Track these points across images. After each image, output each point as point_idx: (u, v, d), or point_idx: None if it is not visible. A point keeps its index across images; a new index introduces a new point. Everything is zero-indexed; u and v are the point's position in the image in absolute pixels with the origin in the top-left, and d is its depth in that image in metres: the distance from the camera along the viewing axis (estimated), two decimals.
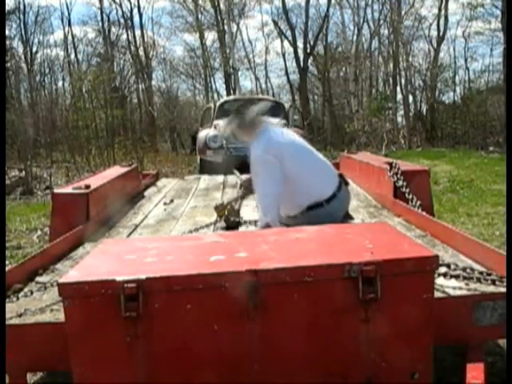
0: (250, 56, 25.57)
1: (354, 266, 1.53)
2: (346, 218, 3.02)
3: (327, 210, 2.74)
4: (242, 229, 3.05)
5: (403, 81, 20.75)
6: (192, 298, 1.52)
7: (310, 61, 22.19)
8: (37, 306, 1.91)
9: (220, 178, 5.40)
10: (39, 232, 5.97)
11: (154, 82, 24.94)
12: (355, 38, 22.90)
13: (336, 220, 2.69)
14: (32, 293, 2.02)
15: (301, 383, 1.58)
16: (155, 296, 1.51)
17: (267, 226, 2.61)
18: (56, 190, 3.45)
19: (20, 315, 1.82)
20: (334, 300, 1.55)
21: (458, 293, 1.85)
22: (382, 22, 22.23)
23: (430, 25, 21.55)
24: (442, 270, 1.96)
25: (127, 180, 4.49)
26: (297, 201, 2.79)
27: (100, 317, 1.51)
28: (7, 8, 20.52)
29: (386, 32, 22.06)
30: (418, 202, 3.09)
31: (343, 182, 2.96)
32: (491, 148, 15.21)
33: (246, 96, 15.47)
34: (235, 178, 5.07)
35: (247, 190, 3.31)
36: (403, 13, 21.12)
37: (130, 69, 24.62)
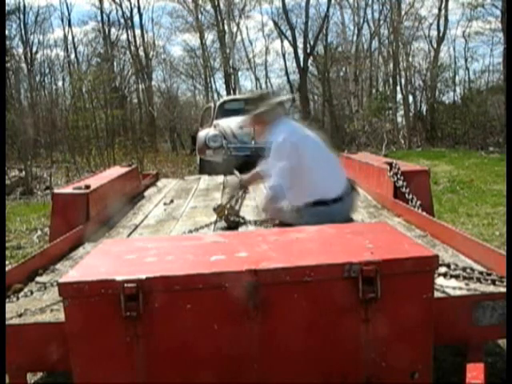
0: (250, 56, 25.59)
1: (354, 265, 1.53)
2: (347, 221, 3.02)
3: (331, 211, 2.75)
4: (241, 229, 3.05)
5: (403, 81, 20.71)
6: (192, 298, 1.52)
7: (310, 61, 22.14)
8: (37, 306, 1.91)
9: (220, 178, 5.41)
10: (39, 232, 5.97)
11: (154, 82, 24.97)
12: (355, 38, 22.91)
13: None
14: (32, 293, 2.02)
15: (301, 383, 1.58)
16: (155, 296, 1.51)
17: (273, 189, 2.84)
18: (56, 190, 3.46)
19: (20, 315, 1.82)
20: (333, 300, 1.55)
21: (458, 293, 1.85)
22: (382, 22, 22.22)
23: (430, 25, 21.52)
24: (442, 270, 1.96)
25: (127, 180, 4.49)
26: (305, 192, 2.83)
27: (100, 317, 1.51)
28: (7, 8, 20.54)
29: (386, 32, 22.04)
30: (418, 202, 3.09)
31: (352, 187, 2.98)
32: (491, 148, 15.18)
33: (246, 95, 15.45)
34: (235, 178, 5.07)
35: (235, 189, 3.34)
36: (403, 13, 21.08)
37: (130, 69, 24.63)
